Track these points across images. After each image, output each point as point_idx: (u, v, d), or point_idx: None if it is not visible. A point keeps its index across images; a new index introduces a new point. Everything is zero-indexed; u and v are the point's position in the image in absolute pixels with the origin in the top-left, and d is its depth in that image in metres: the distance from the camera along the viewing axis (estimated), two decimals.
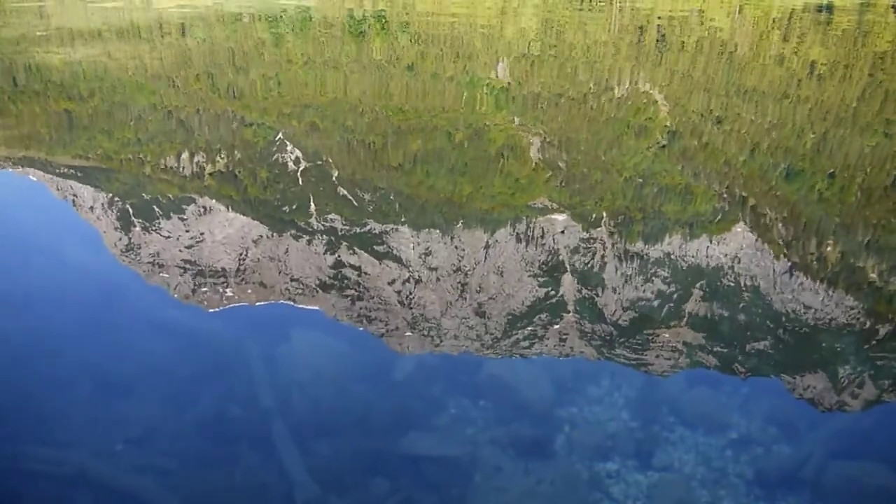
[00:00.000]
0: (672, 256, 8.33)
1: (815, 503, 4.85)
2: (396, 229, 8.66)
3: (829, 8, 35.89)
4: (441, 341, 6.61)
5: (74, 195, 9.49)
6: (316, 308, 7.10)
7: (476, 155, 11.44)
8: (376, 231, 8.64)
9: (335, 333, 6.70)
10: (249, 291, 7.45)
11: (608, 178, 10.58)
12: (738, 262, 8.24)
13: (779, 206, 9.85)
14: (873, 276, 7.87)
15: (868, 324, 6.96)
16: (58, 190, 9.61)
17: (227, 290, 7.43)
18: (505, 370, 6.13)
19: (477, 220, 9.10)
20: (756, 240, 8.80)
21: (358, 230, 8.68)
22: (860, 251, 8.43)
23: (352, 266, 7.84)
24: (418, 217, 9.11)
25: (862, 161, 11.14)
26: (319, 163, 10.88)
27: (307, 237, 8.47)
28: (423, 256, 8.10)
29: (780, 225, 9.28)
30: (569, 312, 7.25)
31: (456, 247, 8.34)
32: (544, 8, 31.95)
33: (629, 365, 6.32)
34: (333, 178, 10.28)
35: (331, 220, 8.99)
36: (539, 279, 7.81)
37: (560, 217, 9.21)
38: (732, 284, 7.81)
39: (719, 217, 9.46)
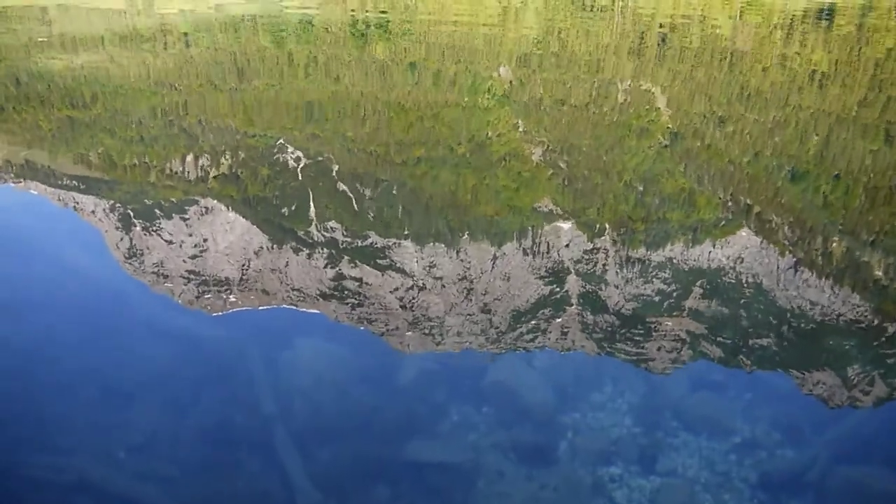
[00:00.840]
0: (676, 260, 8.31)
1: None
2: (399, 243, 8.63)
3: (831, 11, 35.86)
4: (443, 339, 6.61)
5: (76, 200, 9.49)
6: (318, 312, 7.09)
7: (479, 157, 11.43)
8: (378, 244, 8.61)
9: (337, 336, 6.70)
10: (252, 297, 7.45)
11: (611, 181, 10.56)
12: (742, 263, 8.22)
13: (783, 209, 9.82)
14: (878, 273, 7.86)
15: (876, 322, 6.94)
16: (59, 197, 9.60)
17: (231, 296, 7.44)
18: (507, 374, 6.12)
19: (481, 228, 9.08)
20: (760, 242, 8.77)
21: (360, 242, 8.65)
22: (865, 251, 8.40)
23: (353, 278, 7.82)
24: (422, 223, 9.09)
25: (865, 163, 11.11)
26: (321, 169, 10.87)
27: (307, 249, 8.45)
28: (427, 269, 8.08)
29: (784, 228, 9.25)
30: (572, 306, 7.24)
31: (462, 260, 8.31)
32: (546, 12, 31.96)
33: (631, 361, 6.30)
34: (335, 184, 10.27)
35: (331, 227, 8.98)
36: (544, 281, 7.79)
37: (565, 225, 9.19)
38: (736, 283, 7.79)
39: (723, 220, 9.44)
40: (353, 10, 30.41)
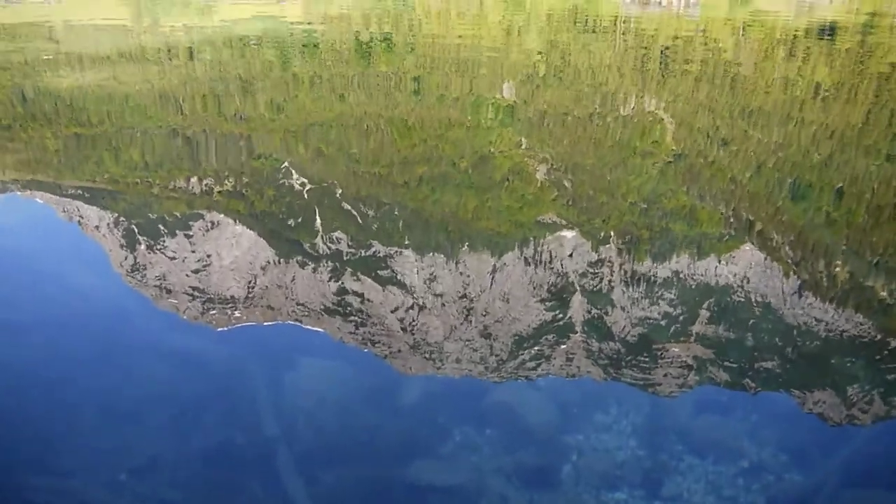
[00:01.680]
0: (680, 276, 8.28)
1: None
2: (401, 252, 8.63)
3: (832, 29, 35.98)
4: (443, 364, 6.58)
5: (80, 216, 9.51)
6: (321, 330, 7.08)
7: (482, 174, 11.44)
8: (381, 253, 8.61)
9: (340, 355, 6.67)
10: (258, 313, 7.45)
11: (614, 198, 10.56)
12: (748, 283, 8.19)
13: (786, 226, 9.81)
14: (883, 294, 7.82)
15: (878, 339, 6.90)
16: (64, 208, 9.63)
17: (236, 311, 7.44)
18: (510, 395, 6.08)
19: (483, 241, 9.07)
20: (765, 260, 8.74)
21: (363, 252, 8.66)
22: (868, 269, 8.37)
23: (356, 293, 7.81)
24: (423, 238, 9.09)
25: (868, 180, 11.09)
26: (325, 184, 10.89)
27: (313, 263, 8.45)
28: (427, 282, 8.06)
29: (787, 245, 9.23)
30: (576, 333, 7.21)
31: (461, 272, 8.30)
32: (549, 31, 32.13)
33: (636, 385, 6.26)
34: (338, 199, 10.28)
35: (337, 239, 8.98)
36: (547, 302, 7.77)
37: (568, 234, 9.18)
38: (742, 303, 7.75)
39: (727, 237, 9.42)
40: (357, 30, 30.59)
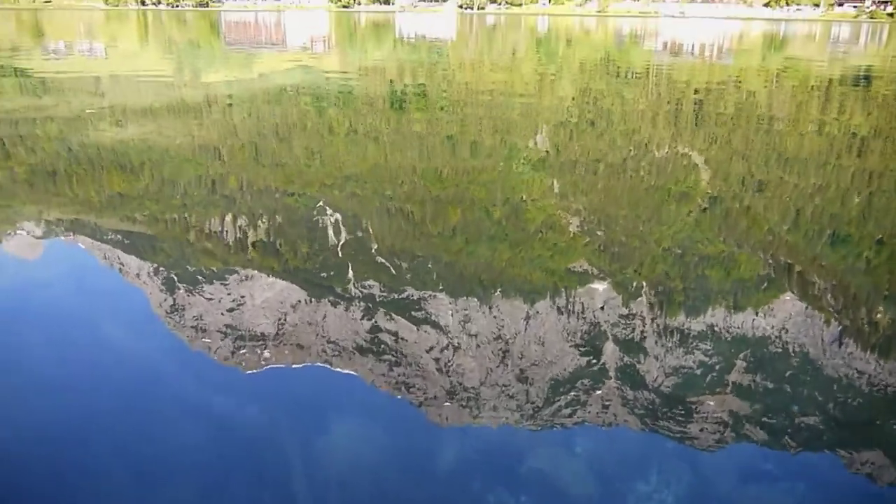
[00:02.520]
0: (715, 327, 8.16)
1: None
2: (434, 295, 8.65)
3: (868, 76, 35.77)
4: (480, 412, 6.51)
5: (122, 264, 9.71)
6: (352, 373, 7.07)
7: (515, 221, 11.48)
8: (414, 297, 8.64)
9: (371, 404, 6.62)
10: (287, 353, 7.47)
11: (647, 244, 10.50)
12: (786, 333, 8.04)
13: (826, 273, 9.65)
14: None
15: None
16: (105, 255, 9.83)
17: (266, 351, 7.48)
18: (547, 453, 5.97)
19: (516, 289, 9.05)
20: (805, 309, 8.59)
21: (395, 296, 8.69)
22: None
23: (389, 331, 7.82)
24: (457, 284, 9.10)
25: None
26: (359, 231, 11.01)
27: (344, 303, 8.50)
28: (462, 323, 8.06)
29: (827, 292, 9.07)
30: (610, 379, 7.12)
31: (495, 316, 8.28)
32: (581, 80, 32.40)
33: (673, 438, 6.14)
34: (372, 247, 10.37)
35: (369, 286, 9.04)
36: (580, 347, 7.70)
37: (599, 286, 9.13)
38: (781, 354, 7.60)
39: (765, 284, 9.30)
40: (391, 79, 31.18)
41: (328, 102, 23.72)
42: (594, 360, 7.48)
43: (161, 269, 9.58)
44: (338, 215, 11.61)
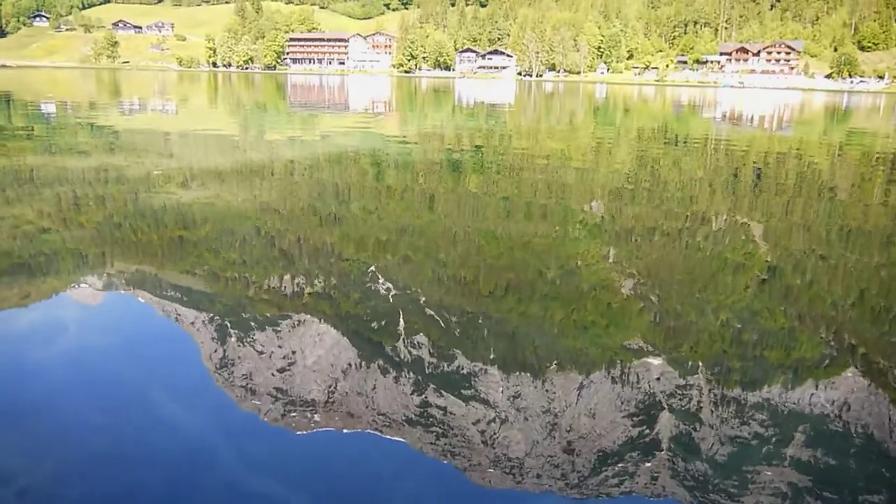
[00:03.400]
0: (775, 402, 7.87)
1: None
2: (485, 369, 8.55)
3: None
4: (523, 479, 6.37)
5: (178, 314, 9.89)
6: (401, 440, 7.00)
7: (568, 286, 11.37)
8: (464, 369, 8.55)
9: (418, 467, 6.55)
10: (337, 418, 7.45)
11: (704, 316, 10.26)
12: (848, 411, 7.70)
13: (892, 351, 9.26)
14: None
15: None
16: (163, 311, 10.03)
17: (316, 415, 7.47)
18: None
19: (569, 359, 8.90)
20: (868, 386, 8.23)
21: (446, 365, 8.61)
22: None
23: (438, 406, 7.73)
24: (508, 351, 9.00)
25: None
26: (410, 289, 11.04)
27: (394, 371, 8.46)
28: (511, 399, 7.92)
29: (894, 371, 8.68)
30: (662, 451, 6.89)
31: (547, 390, 8.13)
32: (639, 148, 32.42)
33: None
34: (423, 304, 10.38)
35: (419, 344, 9.01)
36: (634, 418, 7.49)
37: (655, 361, 8.92)
38: (842, 432, 7.27)
39: (827, 361, 8.96)
40: (449, 143, 31.67)
41: (386, 163, 24.16)
42: (646, 431, 7.26)
43: (216, 317, 9.73)
44: (390, 273, 11.68)
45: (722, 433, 7.24)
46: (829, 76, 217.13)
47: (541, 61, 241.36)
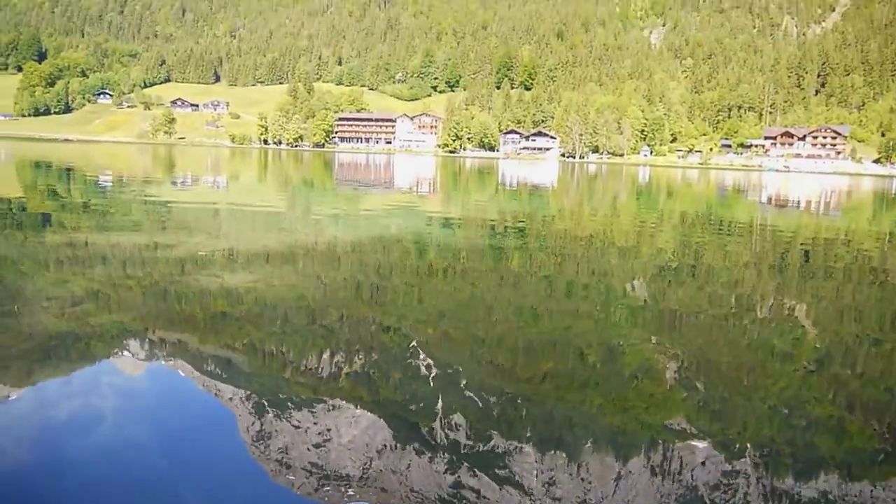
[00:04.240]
0: (828, 496, 7.51)
1: None
2: (520, 448, 8.38)
3: None
4: None
5: (218, 389, 9.95)
6: None
7: (609, 369, 11.18)
8: (500, 449, 8.39)
9: None
10: (371, 493, 7.36)
11: (751, 402, 9.94)
12: None
13: None
14: None
15: None
16: (203, 386, 10.10)
17: (349, 489, 7.39)
18: None
19: (608, 441, 8.68)
20: None
21: (482, 446, 8.46)
22: None
23: (472, 488, 7.57)
24: (545, 432, 8.81)
25: None
26: (450, 368, 10.96)
27: (430, 452, 8.33)
28: (546, 485, 7.72)
29: None
30: None
31: (583, 478, 7.90)
32: (682, 230, 32.24)
33: None
34: (461, 385, 10.27)
35: (456, 426, 8.88)
36: None
37: (699, 444, 8.63)
38: None
39: (882, 457, 8.56)
40: (492, 222, 31.90)
41: (428, 241, 24.39)
42: None
43: (253, 394, 9.75)
44: (430, 351, 11.64)
45: None
46: (877, 161, 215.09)
47: (584, 143, 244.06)
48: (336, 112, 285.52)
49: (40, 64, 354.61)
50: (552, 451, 8.36)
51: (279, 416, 9.10)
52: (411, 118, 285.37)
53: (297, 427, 8.83)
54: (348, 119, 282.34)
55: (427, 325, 13.27)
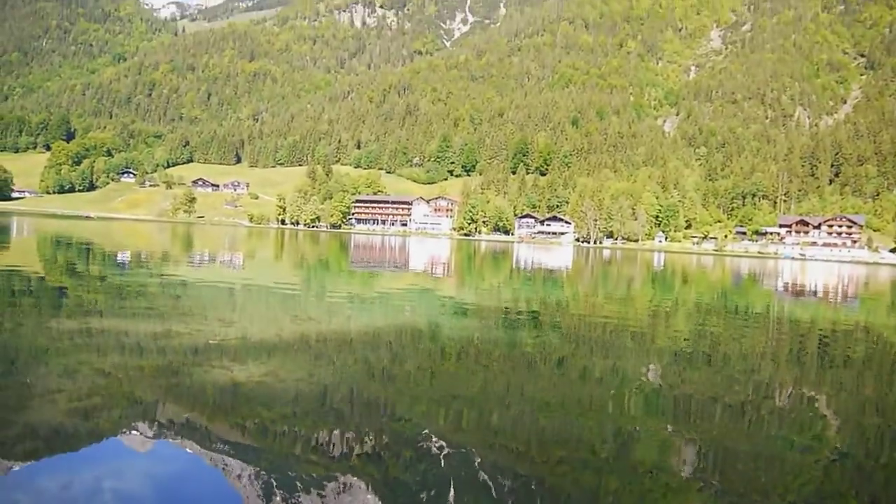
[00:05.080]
0: None
1: None
2: None
3: None
4: None
5: (225, 465, 9.84)
6: None
7: (624, 456, 10.96)
8: None
9: None
10: None
11: (769, 499, 9.66)
12: None
13: None
14: None
15: None
16: (210, 461, 10.00)
17: None
18: None
19: None
20: None
21: None
22: None
23: None
24: None
25: None
26: (462, 449, 10.80)
27: None
28: None
29: None
30: None
31: None
32: (697, 316, 32.05)
33: None
34: (475, 469, 10.09)
35: None
36: None
37: None
38: None
39: None
40: (506, 305, 31.85)
41: (442, 324, 24.33)
42: None
43: (262, 472, 9.62)
44: (442, 434, 11.48)
45: None
46: (893, 250, 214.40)
47: (599, 228, 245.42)
48: (354, 194, 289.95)
49: (68, 143, 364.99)
50: None
51: (287, 498, 8.96)
52: (427, 201, 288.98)
53: None
54: (365, 201, 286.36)
55: (440, 409, 13.13)
